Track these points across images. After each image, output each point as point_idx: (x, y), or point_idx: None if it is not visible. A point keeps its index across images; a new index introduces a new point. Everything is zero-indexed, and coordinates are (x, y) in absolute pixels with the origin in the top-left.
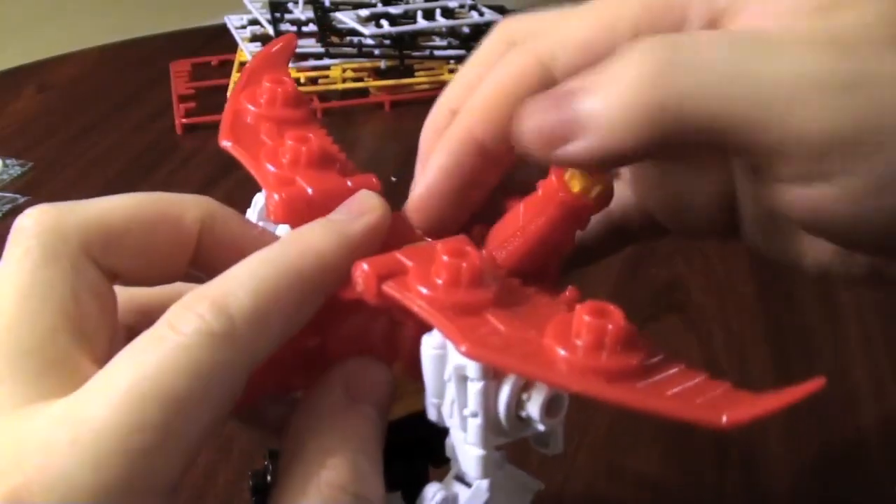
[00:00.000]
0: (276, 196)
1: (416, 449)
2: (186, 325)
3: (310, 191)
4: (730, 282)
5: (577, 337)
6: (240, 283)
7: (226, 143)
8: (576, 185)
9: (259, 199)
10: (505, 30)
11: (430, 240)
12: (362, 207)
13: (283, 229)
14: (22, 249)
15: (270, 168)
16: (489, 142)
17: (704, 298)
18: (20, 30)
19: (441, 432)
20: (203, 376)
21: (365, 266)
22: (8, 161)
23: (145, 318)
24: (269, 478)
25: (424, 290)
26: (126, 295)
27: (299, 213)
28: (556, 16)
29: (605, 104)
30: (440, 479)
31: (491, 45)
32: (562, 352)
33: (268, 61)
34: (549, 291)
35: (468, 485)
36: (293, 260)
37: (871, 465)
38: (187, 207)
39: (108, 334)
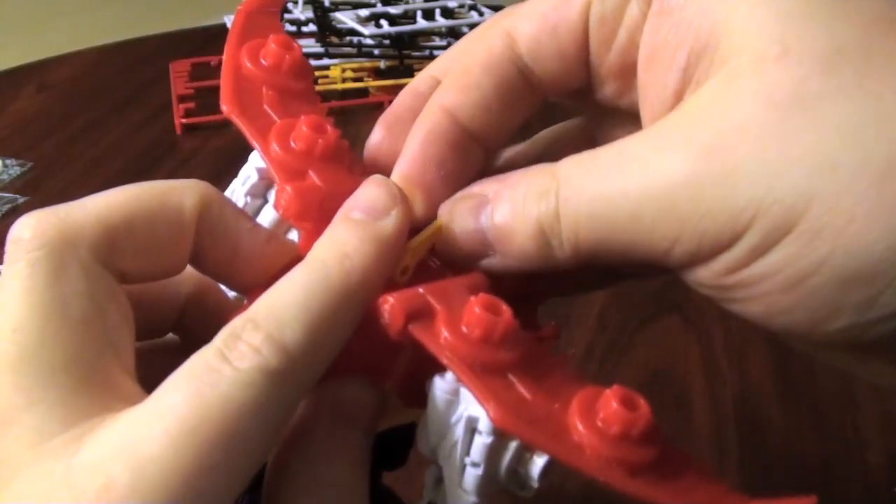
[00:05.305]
0: (288, 189)
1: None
2: (243, 361)
3: (322, 186)
4: None
5: (605, 424)
6: (293, 315)
7: (228, 111)
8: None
9: (251, 174)
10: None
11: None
12: (387, 202)
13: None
14: (26, 263)
15: (277, 149)
16: (460, 113)
17: (704, 298)
18: (20, 30)
19: (396, 439)
20: (262, 414)
21: (392, 300)
22: (7, 161)
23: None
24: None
25: (453, 340)
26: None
27: (310, 210)
28: None
29: (504, 229)
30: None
31: (482, 25)
32: (588, 437)
33: (262, 5)
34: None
35: None
36: (340, 283)
37: (870, 465)
38: (186, 194)
39: (130, 340)
